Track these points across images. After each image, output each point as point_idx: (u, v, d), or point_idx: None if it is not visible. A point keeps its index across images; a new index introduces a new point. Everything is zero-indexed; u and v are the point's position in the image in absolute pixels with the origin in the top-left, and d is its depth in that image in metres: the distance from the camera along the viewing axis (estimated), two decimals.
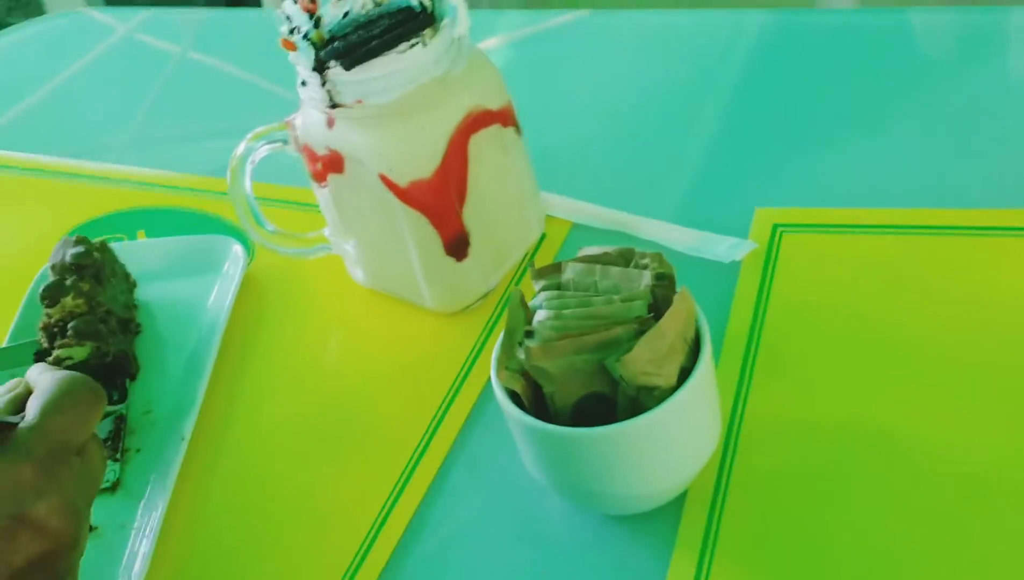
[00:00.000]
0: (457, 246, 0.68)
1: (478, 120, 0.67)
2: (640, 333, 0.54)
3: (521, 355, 0.55)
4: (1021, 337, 0.60)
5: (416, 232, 0.67)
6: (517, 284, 0.60)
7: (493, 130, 0.68)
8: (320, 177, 0.69)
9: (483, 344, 0.68)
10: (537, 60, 0.89)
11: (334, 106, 0.65)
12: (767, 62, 0.84)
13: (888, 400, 0.59)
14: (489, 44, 0.90)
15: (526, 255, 0.73)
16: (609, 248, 0.58)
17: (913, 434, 0.57)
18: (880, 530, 0.53)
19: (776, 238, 0.69)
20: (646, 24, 0.91)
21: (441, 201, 0.66)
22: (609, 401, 0.55)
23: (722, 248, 0.69)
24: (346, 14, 0.63)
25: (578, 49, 0.89)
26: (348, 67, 0.63)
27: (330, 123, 0.66)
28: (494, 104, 0.67)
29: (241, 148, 0.70)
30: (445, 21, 0.64)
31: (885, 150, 0.73)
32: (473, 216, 0.68)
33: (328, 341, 0.73)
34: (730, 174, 0.75)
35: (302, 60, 0.64)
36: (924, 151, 0.72)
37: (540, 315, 0.56)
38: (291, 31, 0.64)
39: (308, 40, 0.63)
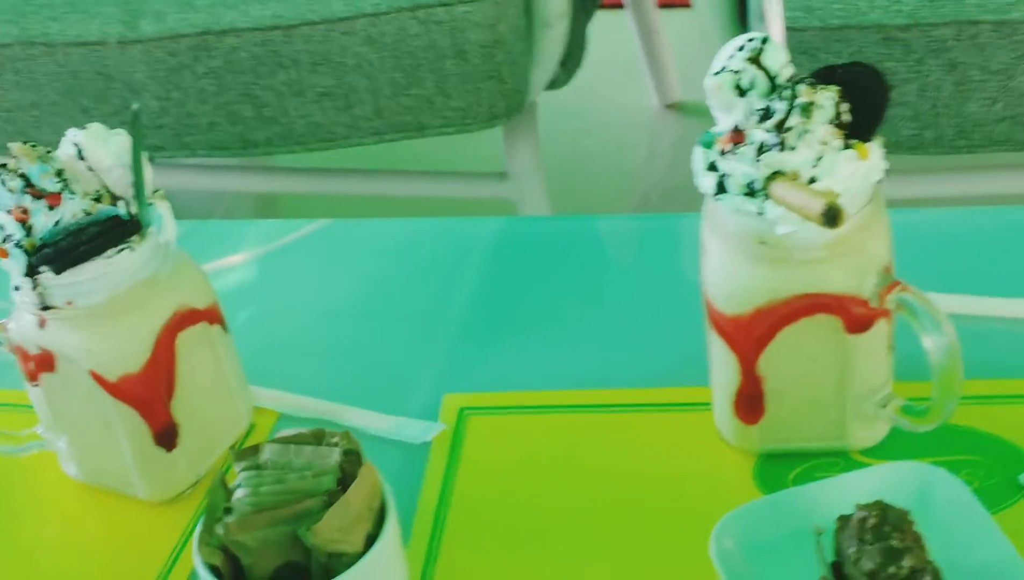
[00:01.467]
0: (166, 437, 0.73)
1: (185, 318, 0.72)
2: (329, 504, 0.59)
3: (220, 531, 0.60)
4: (673, 499, 0.68)
5: (127, 424, 0.71)
6: (225, 471, 0.65)
7: (200, 328, 0.73)
8: (33, 376, 0.73)
9: (193, 528, 0.72)
10: (264, 266, 0.95)
11: (45, 308, 0.69)
12: (463, 264, 0.93)
13: (562, 566, 0.66)
14: (237, 256, 0.96)
15: (234, 444, 0.77)
16: (304, 429, 0.64)
17: None
18: None
19: (462, 420, 0.76)
20: (360, 231, 0.99)
21: (150, 394, 0.71)
22: (304, 569, 0.60)
23: (414, 431, 0.76)
24: (57, 222, 0.68)
25: (304, 257, 0.96)
26: (58, 271, 0.68)
27: (42, 324, 0.70)
28: (200, 304, 0.73)
29: None
30: (152, 228, 0.70)
31: (559, 340, 0.82)
32: (181, 408, 0.73)
33: (43, 535, 0.75)
34: (424, 364, 0.82)
35: (14, 266, 0.68)
36: (593, 339, 0.82)
37: (239, 493, 0.61)
38: (3, 239, 0.69)
39: (20, 247, 0.68)
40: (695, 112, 1.92)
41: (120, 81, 1.24)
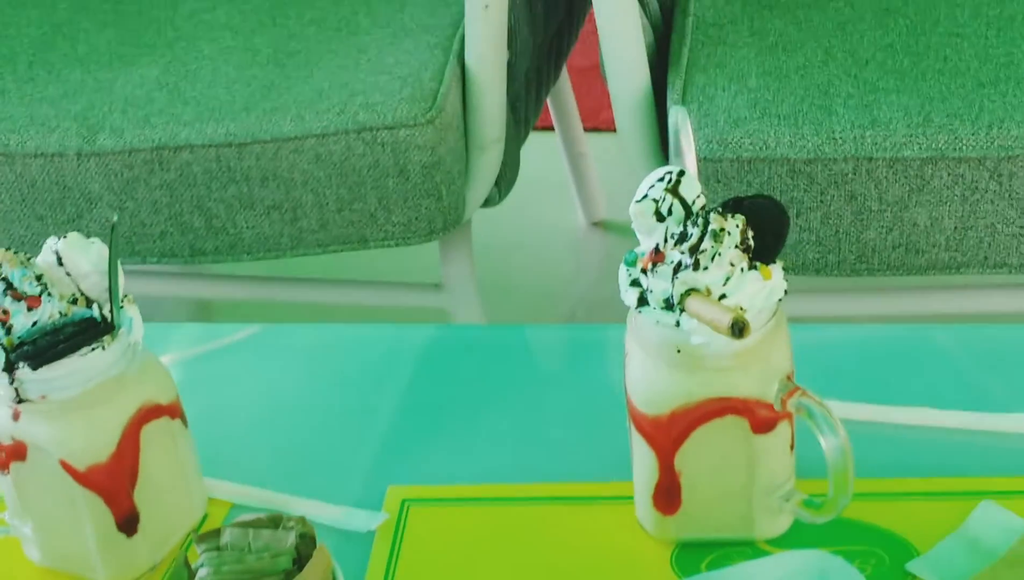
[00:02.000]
0: (128, 523, 0.78)
1: (149, 413, 0.78)
2: None
3: None
4: None
5: (92, 510, 0.76)
6: (186, 552, 0.70)
7: (163, 422, 0.79)
8: (3, 465, 0.78)
9: None
10: (217, 366, 1.01)
11: (21, 401, 0.75)
12: (402, 367, 0.99)
13: None
14: (175, 354, 1.02)
15: (190, 532, 0.83)
16: (262, 515, 0.70)
17: None
18: None
19: (404, 510, 0.83)
20: (304, 335, 1.06)
21: (115, 483, 0.76)
22: None
23: (360, 519, 0.82)
24: (35, 323, 0.74)
25: (252, 357, 1.02)
26: (35, 367, 0.73)
27: (15, 416, 0.75)
28: (164, 399, 0.79)
29: None
30: (123, 330, 0.76)
31: (494, 438, 0.89)
32: (143, 496, 0.78)
33: None
34: (370, 458, 0.89)
35: None
36: (524, 437, 0.89)
37: (201, 572, 0.67)
38: None
39: None
40: (619, 230, 2.02)
41: (77, 191, 1.30)
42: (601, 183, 2.03)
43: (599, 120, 2.14)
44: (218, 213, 1.30)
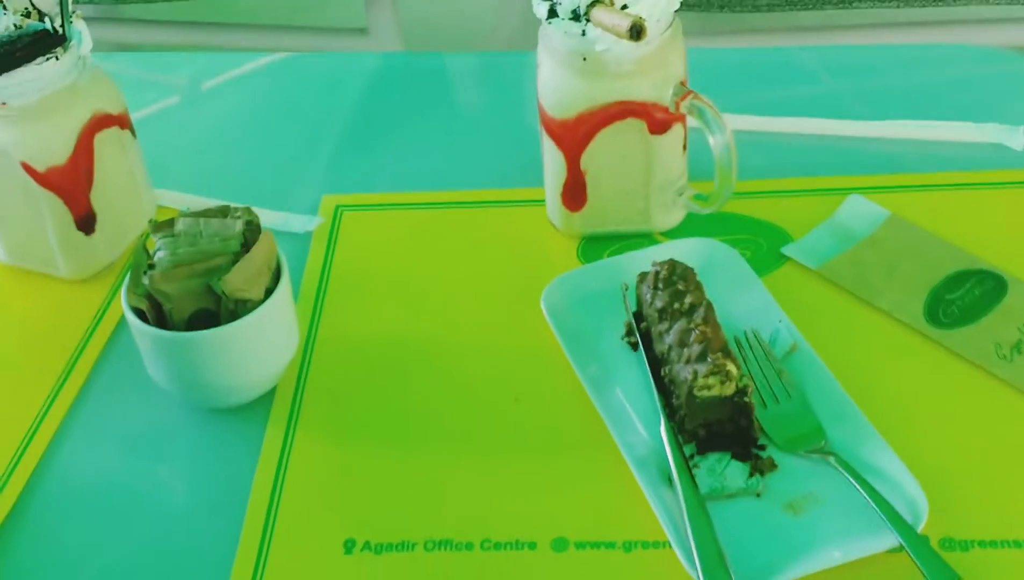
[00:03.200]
0: (86, 222, 0.86)
1: (101, 121, 0.85)
2: (236, 261, 0.74)
3: (146, 281, 0.74)
4: (513, 272, 0.85)
5: (52, 210, 0.84)
6: (144, 241, 0.78)
7: (113, 131, 0.86)
8: None
9: (110, 301, 0.86)
10: (164, 90, 1.08)
11: None
12: (336, 91, 1.07)
13: (418, 324, 0.82)
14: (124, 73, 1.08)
15: (141, 235, 0.91)
16: (211, 206, 0.78)
17: (442, 352, 0.80)
18: (417, 419, 0.75)
19: (338, 214, 0.91)
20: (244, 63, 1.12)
21: (72, 184, 0.84)
22: (215, 315, 0.74)
23: (299, 223, 0.90)
24: None
25: (196, 82, 1.09)
26: None
27: None
28: (113, 110, 0.86)
29: None
30: (73, 42, 0.82)
31: (419, 151, 0.97)
32: (99, 199, 0.86)
33: None
34: (304, 171, 0.97)
35: None
36: (447, 150, 0.97)
37: (159, 254, 0.75)
38: None
39: None
40: None
41: None
42: None
43: None
44: None
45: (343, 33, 1.55)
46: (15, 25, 0.81)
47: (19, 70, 0.80)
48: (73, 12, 0.83)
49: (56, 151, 0.82)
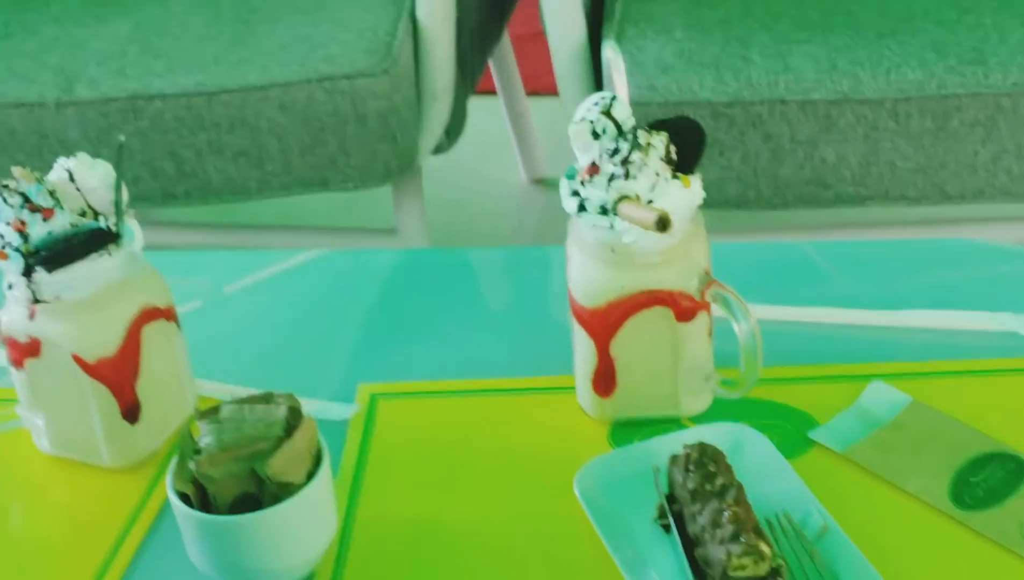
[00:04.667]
0: (131, 412, 0.88)
1: (149, 314, 0.88)
2: (279, 446, 0.76)
3: (192, 467, 0.76)
4: (545, 458, 0.87)
5: (99, 400, 0.87)
6: (189, 428, 0.81)
7: (160, 323, 0.90)
8: (19, 362, 0.88)
9: (152, 489, 0.88)
10: (205, 283, 1.12)
11: (37, 302, 0.85)
12: (368, 285, 1.11)
13: (456, 509, 0.84)
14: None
15: (187, 421, 0.93)
16: (255, 393, 0.81)
17: (478, 536, 0.81)
18: None
19: (374, 402, 0.94)
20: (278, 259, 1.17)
21: (121, 375, 0.87)
22: (257, 499, 0.76)
23: (335, 411, 0.93)
24: (49, 232, 0.84)
25: (234, 277, 1.13)
26: (50, 271, 0.84)
27: (31, 315, 0.86)
28: (161, 303, 0.90)
29: None
30: (125, 239, 0.87)
31: (452, 341, 1.01)
32: (144, 389, 0.89)
33: (16, 501, 0.89)
34: (341, 362, 1.00)
35: (12, 267, 0.84)
36: (478, 340, 1.00)
37: (204, 439, 0.77)
38: (3, 245, 0.84)
39: (18, 252, 0.84)
40: (557, 186, 2.13)
41: (54, 139, 1.40)
42: (540, 143, 2.15)
43: (538, 85, 2.25)
44: (188, 159, 1.41)
45: (373, 233, 1.61)
46: (72, 224, 0.85)
47: (74, 265, 0.84)
48: (126, 210, 0.88)
49: (106, 343, 0.86)
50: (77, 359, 0.86)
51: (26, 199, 0.85)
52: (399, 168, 1.42)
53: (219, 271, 1.16)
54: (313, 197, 1.50)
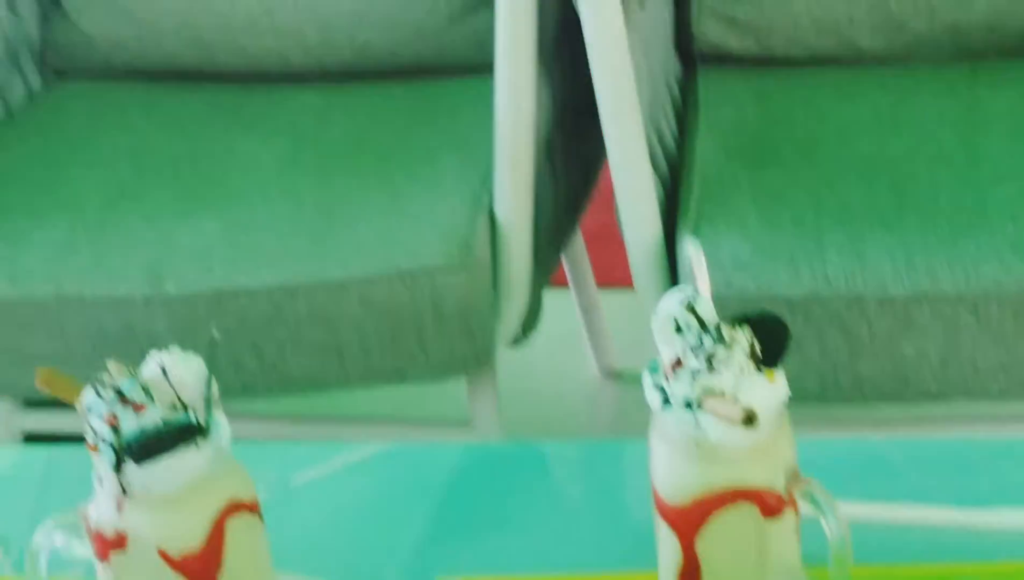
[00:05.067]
0: None
1: (234, 507, 0.89)
2: None
3: None
4: None
5: None
6: None
7: (243, 516, 0.89)
8: (104, 555, 0.88)
9: None
10: (283, 476, 1.13)
11: (125, 494, 0.86)
12: (443, 477, 1.11)
13: None
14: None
15: None
16: None
17: None
18: None
19: None
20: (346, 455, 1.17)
21: (205, 570, 0.87)
22: None
23: None
24: (141, 427, 0.86)
25: (309, 469, 1.13)
26: (140, 463, 0.85)
27: (119, 508, 0.86)
28: (245, 497, 0.90)
29: (38, 536, 0.89)
30: (213, 433, 0.88)
31: (532, 535, 1.00)
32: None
33: None
34: (418, 556, 0.99)
35: (103, 459, 0.85)
36: (560, 535, 0.99)
37: None
38: (95, 439, 0.86)
39: (110, 446, 0.85)
40: (630, 380, 2.13)
41: (142, 333, 1.43)
42: (613, 336, 2.16)
43: (610, 278, 2.28)
44: (270, 353, 1.43)
45: (446, 426, 1.61)
46: (162, 418, 0.86)
47: (163, 458, 0.85)
48: (215, 404, 0.89)
49: (192, 537, 0.86)
50: (163, 554, 0.86)
51: (120, 394, 0.86)
52: (476, 361, 1.44)
53: (291, 462, 1.17)
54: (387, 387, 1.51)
